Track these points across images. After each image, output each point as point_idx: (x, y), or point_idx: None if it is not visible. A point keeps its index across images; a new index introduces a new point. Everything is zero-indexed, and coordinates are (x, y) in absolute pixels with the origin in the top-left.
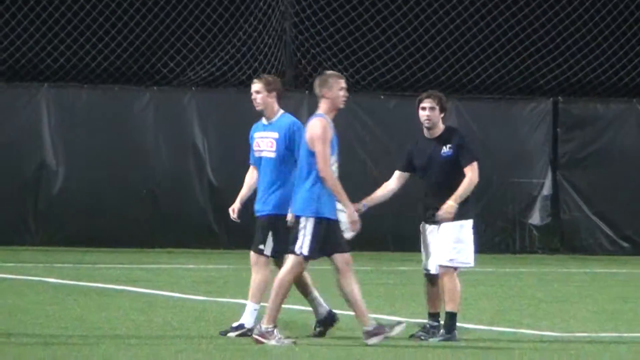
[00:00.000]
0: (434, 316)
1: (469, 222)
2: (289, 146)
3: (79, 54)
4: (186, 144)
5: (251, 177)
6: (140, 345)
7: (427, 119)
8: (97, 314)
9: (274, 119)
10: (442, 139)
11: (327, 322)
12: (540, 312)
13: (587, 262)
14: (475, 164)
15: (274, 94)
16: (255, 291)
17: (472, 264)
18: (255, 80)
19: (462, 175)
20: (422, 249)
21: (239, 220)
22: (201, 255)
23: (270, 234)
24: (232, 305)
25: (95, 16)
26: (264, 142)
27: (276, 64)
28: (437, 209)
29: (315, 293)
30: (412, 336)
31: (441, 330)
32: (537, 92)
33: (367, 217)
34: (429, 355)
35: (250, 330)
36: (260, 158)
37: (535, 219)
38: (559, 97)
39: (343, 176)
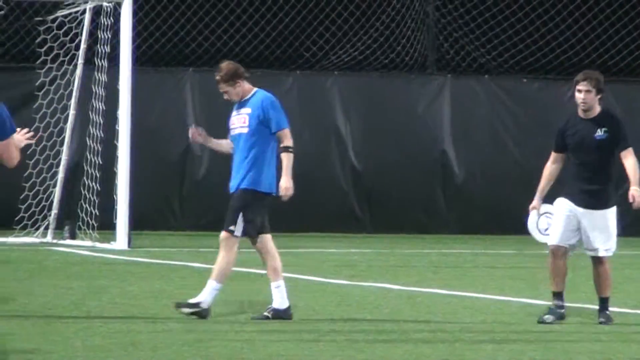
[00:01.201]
0: (559, 295)
1: (614, 210)
2: (263, 121)
3: (223, 39)
4: (328, 128)
5: None
6: (283, 330)
7: (583, 102)
8: (241, 298)
9: (247, 97)
10: (598, 122)
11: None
12: None
13: None
14: (631, 149)
15: (238, 82)
16: (219, 272)
17: (614, 250)
18: (216, 79)
19: (614, 160)
20: (560, 225)
21: None
22: (344, 239)
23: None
24: (375, 289)
25: (239, 0)
26: (239, 120)
27: (419, 47)
28: (588, 192)
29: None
30: (540, 322)
31: (606, 313)
32: None
33: (508, 203)
34: (580, 335)
35: (206, 310)
36: (234, 136)
37: None
38: None
39: (486, 160)
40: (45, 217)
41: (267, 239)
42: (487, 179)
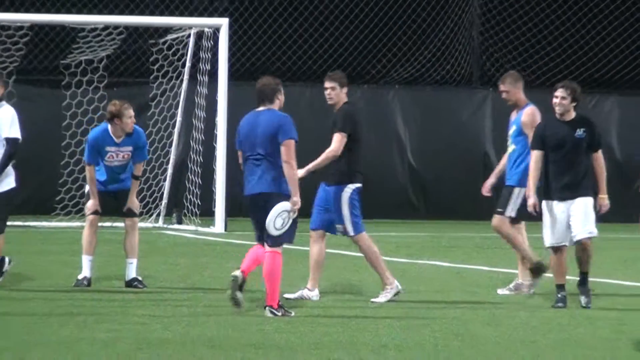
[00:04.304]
0: (563, 287)
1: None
2: None
3: (307, 54)
4: (390, 133)
5: None
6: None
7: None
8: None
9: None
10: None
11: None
12: None
13: None
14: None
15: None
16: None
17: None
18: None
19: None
20: (548, 225)
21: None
22: (402, 224)
23: None
24: (428, 266)
25: (316, 25)
26: None
27: (465, 65)
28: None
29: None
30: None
31: (588, 294)
32: None
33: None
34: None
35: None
36: None
37: None
38: None
39: None
40: (157, 206)
41: None
42: None
